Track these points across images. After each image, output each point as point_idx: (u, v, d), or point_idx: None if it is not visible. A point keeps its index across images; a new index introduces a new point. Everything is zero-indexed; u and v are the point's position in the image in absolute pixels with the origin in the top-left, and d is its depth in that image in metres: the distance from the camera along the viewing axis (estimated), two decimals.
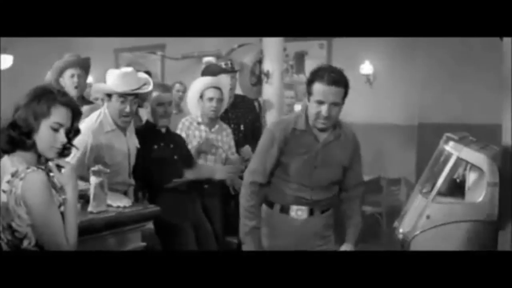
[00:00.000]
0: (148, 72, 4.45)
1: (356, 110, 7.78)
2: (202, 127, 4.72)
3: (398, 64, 7.63)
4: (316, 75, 3.12)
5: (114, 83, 3.76)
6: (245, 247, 3.28)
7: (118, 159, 3.82)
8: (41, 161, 2.39)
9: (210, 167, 4.60)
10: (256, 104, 5.51)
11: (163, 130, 4.31)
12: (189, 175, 4.36)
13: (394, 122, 7.61)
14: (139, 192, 4.12)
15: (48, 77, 4.65)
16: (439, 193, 4.61)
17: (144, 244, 3.55)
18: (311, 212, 3.35)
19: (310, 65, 8.10)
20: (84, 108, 3.87)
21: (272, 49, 4.98)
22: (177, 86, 6.88)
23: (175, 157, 4.30)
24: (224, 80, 4.91)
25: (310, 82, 3.14)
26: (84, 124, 3.48)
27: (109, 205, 3.39)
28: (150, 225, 3.89)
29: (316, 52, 8.10)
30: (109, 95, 3.81)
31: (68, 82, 4.64)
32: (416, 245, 4.49)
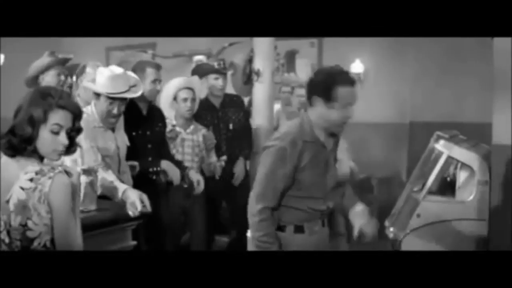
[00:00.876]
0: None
1: None
2: (177, 128, 4.75)
3: (389, 63, 7.62)
4: (336, 79, 2.94)
5: (103, 84, 3.72)
6: None
7: (107, 154, 3.79)
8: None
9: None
10: (246, 102, 5.51)
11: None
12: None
13: (385, 120, 7.60)
14: None
15: (30, 73, 4.60)
16: (430, 192, 4.63)
17: (134, 243, 3.54)
18: (323, 224, 3.17)
19: (300, 64, 8.13)
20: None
21: (263, 48, 4.96)
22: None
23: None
24: (195, 80, 4.95)
25: (329, 88, 2.93)
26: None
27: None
28: None
29: (307, 50, 8.08)
30: (97, 94, 3.78)
31: (53, 80, 4.59)
32: (407, 244, 4.51)
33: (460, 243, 4.36)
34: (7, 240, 2.26)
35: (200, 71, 5.18)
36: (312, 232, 3.10)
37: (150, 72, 4.32)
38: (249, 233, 3.25)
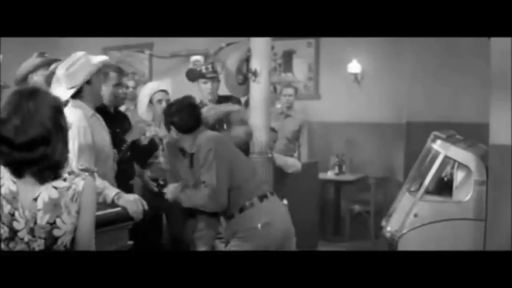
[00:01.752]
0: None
1: (344, 109, 7.82)
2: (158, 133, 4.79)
3: (386, 63, 7.63)
4: None
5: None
6: None
7: (104, 142, 3.79)
8: None
9: None
10: (241, 102, 5.51)
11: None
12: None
13: (382, 120, 7.61)
14: None
15: (20, 73, 4.60)
16: (427, 192, 4.63)
17: (131, 242, 3.53)
18: None
19: (298, 64, 8.14)
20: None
21: (260, 48, 4.95)
22: (131, 83, 6.64)
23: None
24: (168, 82, 5.22)
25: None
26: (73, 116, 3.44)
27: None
28: None
29: (304, 50, 8.07)
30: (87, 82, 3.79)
31: (40, 79, 4.58)
32: (404, 244, 4.51)
33: (457, 243, 4.37)
34: (26, 239, 2.25)
35: (190, 75, 5.29)
36: None
37: (112, 76, 4.34)
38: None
